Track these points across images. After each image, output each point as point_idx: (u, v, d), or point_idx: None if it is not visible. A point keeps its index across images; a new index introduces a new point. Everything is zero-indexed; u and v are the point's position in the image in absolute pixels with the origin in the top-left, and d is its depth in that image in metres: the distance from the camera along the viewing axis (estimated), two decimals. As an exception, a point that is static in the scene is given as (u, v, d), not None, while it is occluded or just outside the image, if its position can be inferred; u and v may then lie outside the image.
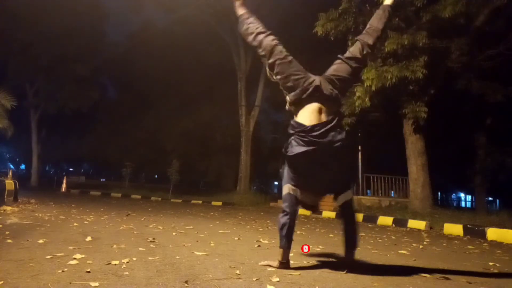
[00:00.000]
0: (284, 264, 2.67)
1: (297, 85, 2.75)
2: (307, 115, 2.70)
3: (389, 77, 8.48)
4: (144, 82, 23.64)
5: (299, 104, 2.76)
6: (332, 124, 2.64)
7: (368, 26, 3.02)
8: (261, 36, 2.88)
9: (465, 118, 13.51)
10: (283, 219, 2.67)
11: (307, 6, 12.85)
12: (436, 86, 9.73)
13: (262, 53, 2.87)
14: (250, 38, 2.93)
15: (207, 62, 20.89)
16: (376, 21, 3.00)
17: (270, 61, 2.82)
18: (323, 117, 2.69)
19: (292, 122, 2.77)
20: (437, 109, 10.25)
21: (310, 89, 2.72)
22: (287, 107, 2.87)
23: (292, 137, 2.70)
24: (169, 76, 22.33)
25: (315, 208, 3.09)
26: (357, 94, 9.01)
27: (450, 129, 14.30)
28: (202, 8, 16.76)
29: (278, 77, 2.83)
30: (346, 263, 2.84)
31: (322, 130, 2.61)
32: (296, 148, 2.63)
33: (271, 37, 2.87)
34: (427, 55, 8.55)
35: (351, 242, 2.86)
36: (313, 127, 2.63)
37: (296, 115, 2.80)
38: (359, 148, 13.68)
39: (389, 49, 8.52)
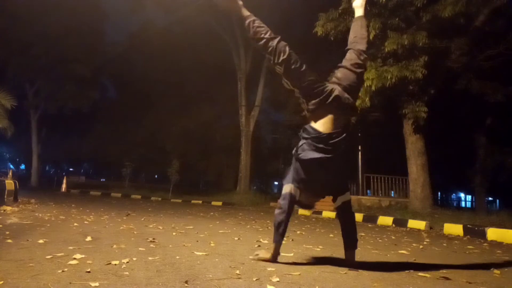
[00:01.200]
0: (274, 257, 2.84)
1: (318, 94, 2.76)
2: (324, 122, 2.75)
3: (389, 77, 8.49)
4: (144, 82, 23.66)
5: (317, 111, 2.79)
6: (346, 133, 2.73)
7: (353, 36, 3.07)
8: (273, 43, 2.73)
9: (465, 118, 13.52)
10: (281, 216, 2.80)
11: (307, 6, 12.85)
12: (436, 86, 9.73)
13: (278, 61, 2.73)
14: (261, 43, 2.78)
15: (207, 62, 20.89)
16: (359, 30, 3.08)
17: (288, 70, 2.74)
18: (338, 125, 2.75)
19: (307, 127, 2.81)
20: (437, 109, 10.26)
21: (330, 99, 2.75)
22: (304, 113, 2.91)
23: (305, 141, 2.76)
24: (169, 76, 22.35)
25: (310, 207, 3.19)
26: (357, 94, 9.01)
27: (450, 129, 14.31)
28: (202, 8, 16.76)
29: (299, 85, 2.79)
30: (347, 263, 2.88)
31: (338, 139, 2.70)
32: (310, 153, 2.70)
33: (283, 42, 2.75)
34: (427, 55, 8.55)
35: (351, 242, 2.95)
36: (330, 135, 2.70)
37: (312, 121, 2.82)
38: (359, 148, 13.69)
39: (389, 49, 8.53)
